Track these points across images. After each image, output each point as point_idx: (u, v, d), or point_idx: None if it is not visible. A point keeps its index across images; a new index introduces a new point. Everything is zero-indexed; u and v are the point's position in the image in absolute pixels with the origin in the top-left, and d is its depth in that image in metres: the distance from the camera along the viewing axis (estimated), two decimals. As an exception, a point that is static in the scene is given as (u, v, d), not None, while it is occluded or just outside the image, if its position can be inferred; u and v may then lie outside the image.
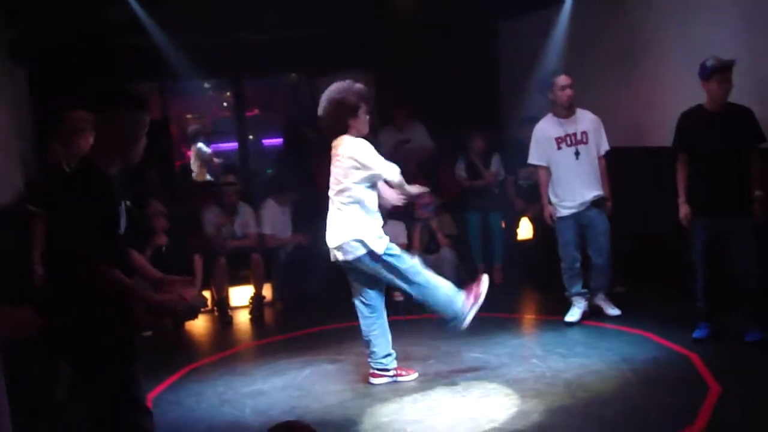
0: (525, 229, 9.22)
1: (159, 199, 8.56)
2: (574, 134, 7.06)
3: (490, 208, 9.11)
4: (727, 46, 6.58)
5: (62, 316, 3.70)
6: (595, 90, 7.54)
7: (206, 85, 12.62)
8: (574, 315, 7.23)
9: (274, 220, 8.95)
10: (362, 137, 5.85)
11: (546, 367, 6.16)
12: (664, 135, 6.72)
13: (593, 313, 7.26)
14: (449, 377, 6.06)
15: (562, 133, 7.08)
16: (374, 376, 6.04)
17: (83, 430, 3.83)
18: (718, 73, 6.05)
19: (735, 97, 6.14)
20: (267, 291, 8.75)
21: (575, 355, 6.40)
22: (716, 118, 6.15)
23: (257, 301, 8.52)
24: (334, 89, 5.83)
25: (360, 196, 5.77)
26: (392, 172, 5.82)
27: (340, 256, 5.85)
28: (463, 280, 8.59)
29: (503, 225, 9.21)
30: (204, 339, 8.14)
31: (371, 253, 5.74)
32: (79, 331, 3.68)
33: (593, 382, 5.77)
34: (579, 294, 7.26)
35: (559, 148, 7.09)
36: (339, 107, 5.77)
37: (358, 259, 5.77)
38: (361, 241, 5.73)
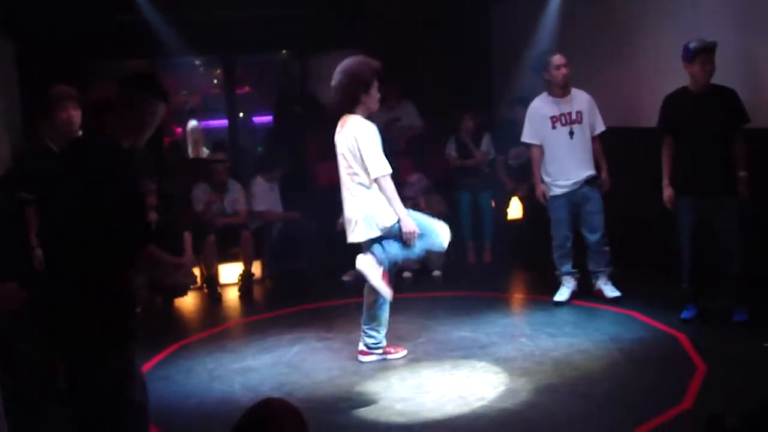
0: (515, 209, 9.24)
1: (148, 176, 8.52)
2: (569, 113, 7.06)
3: (480, 188, 9.12)
4: (720, 26, 6.60)
5: (64, 302, 3.65)
6: (586, 70, 7.53)
7: (197, 63, 12.57)
8: (562, 295, 7.24)
9: (263, 196, 8.95)
10: (371, 114, 5.85)
11: (534, 346, 6.19)
12: (655, 116, 6.72)
13: (583, 293, 7.28)
14: (438, 355, 6.09)
15: (557, 112, 7.07)
16: (363, 353, 6.05)
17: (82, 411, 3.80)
18: (701, 54, 6.07)
19: (727, 81, 6.16)
20: (256, 268, 8.75)
21: (564, 334, 6.43)
22: (700, 100, 6.17)
23: (246, 278, 8.52)
24: (349, 63, 5.81)
25: (367, 179, 5.76)
26: (378, 169, 5.68)
27: (351, 238, 5.84)
28: (452, 260, 8.70)
29: (493, 204, 9.22)
30: (193, 316, 8.13)
31: (382, 234, 5.71)
32: (82, 316, 3.63)
33: (581, 361, 5.81)
34: (568, 273, 7.26)
35: (554, 127, 7.08)
36: (353, 81, 5.75)
37: (371, 240, 5.75)
38: (371, 223, 5.71)
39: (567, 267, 7.27)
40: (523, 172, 8.97)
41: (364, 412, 5.20)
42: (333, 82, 5.86)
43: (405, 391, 5.47)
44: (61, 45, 8.57)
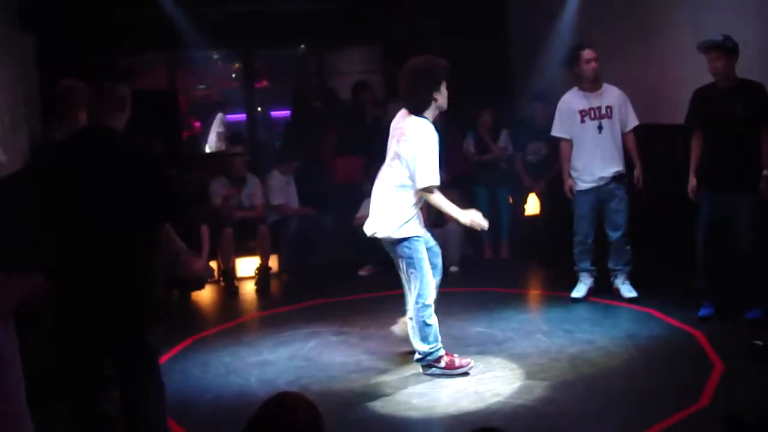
0: (532, 205, 9.21)
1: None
2: (599, 108, 7.01)
3: (497, 183, 9.10)
4: (740, 18, 6.58)
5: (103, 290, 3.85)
6: (606, 66, 7.47)
7: (215, 56, 12.59)
8: (579, 291, 7.22)
9: (280, 189, 8.97)
10: (439, 114, 5.79)
11: (551, 342, 6.19)
12: (678, 112, 6.70)
13: (601, 291, 7.25)
14: (454, 351, 6.04)
15: (586, 107, 7.03)
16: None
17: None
18: (704, 53, 6.15)
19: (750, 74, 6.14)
20: (273, 262, 8.76)
21: (580, 331, 6.42)
22: (725, 94, 6.16)
23: (263, 272, 8.53)
24: (417, 62, 5.70)
25: (408, 181, 5.60)
26: (428, 179, 5.51)
27: (370, 229, 5.78)
28: (468, 254, 8.69)
29: (510, 200, 9.20)
30: (210, 309, 8.16)
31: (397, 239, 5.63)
32: (124, 300, 3.87)
33: (598, 358, 5.80)
34: (587, 270, 7.24)
35: (583, 121, 7.03)
36: (425, 80, 5.61)
37: (387, 238, 5.70)
38: (391, 223, 5.62)
39: (586, 264, 7.24)
40: (541, 168, 8.95)
41: (380, 407, 5.21)
42: (403, 83, 5.69)
43: (421, 387, 5.48)
44: (80, 39, 8.59)
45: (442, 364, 5.64)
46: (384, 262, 8.68)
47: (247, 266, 8.76)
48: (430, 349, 5.62)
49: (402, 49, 10.39)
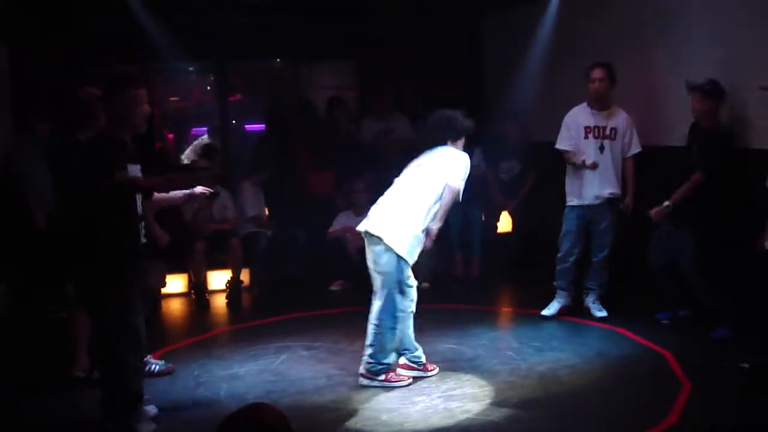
0: (504, 223, 9.26)
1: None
2: (604, 128, 7.02)
3: (470, 201, 9.11)
4: (711, 44, 6.68)
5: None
6: (580, 84, 7.54)
7: (190, 69, 12.55)
8: (551, 309, 7.25)
9: (253, 201, 8.93)
10: None
11: (521, 359, 6.21)
12: (648, 133, 6.79)
13: (574, 310, 7.28)
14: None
15: (592, 124, 7.05)
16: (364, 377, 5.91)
17: None
18: (689, 92, 6.39)
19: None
20: (245, 276, 8.73)
21: (550, 348, 6.45)
22: (697, 136, 6.48)
23: (234, 285, 8.50)
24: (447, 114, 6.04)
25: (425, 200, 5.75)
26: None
27: (365, 226, 5.84)
28: (439, 271, 8.70)
29: (483, 218, 9.24)
30: (180, 322, 8.11)
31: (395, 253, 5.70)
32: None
33: (567, 376, 5.82)
34: (563, 288, 7.27)
35: (586, 137, 7.06)
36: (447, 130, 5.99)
37: (378, 249, 5.76)
38: (394, 235, 5.69)
39: (562, 282, 7.28)
40: (514, 186, 9.01)
41: (350, 423, 5.18)
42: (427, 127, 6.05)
43: (391, 402, 5.47)
44: (53, 48, 8.55)
45: (382, 377, 5.75)
46: (355, 277, 8.75)
47: (218, 280, 8.72)
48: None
49: (377, 66, 10.49)
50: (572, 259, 7.20)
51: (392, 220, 5.72)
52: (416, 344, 6.00)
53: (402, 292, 5.75)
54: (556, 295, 7.28)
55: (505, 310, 8.16)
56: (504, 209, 9.16)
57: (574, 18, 8.61)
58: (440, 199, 5.75)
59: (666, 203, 6.47)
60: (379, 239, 5.70)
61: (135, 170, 4.82)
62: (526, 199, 9.02)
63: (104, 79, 4.78)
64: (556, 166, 7.45)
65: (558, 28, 8.81)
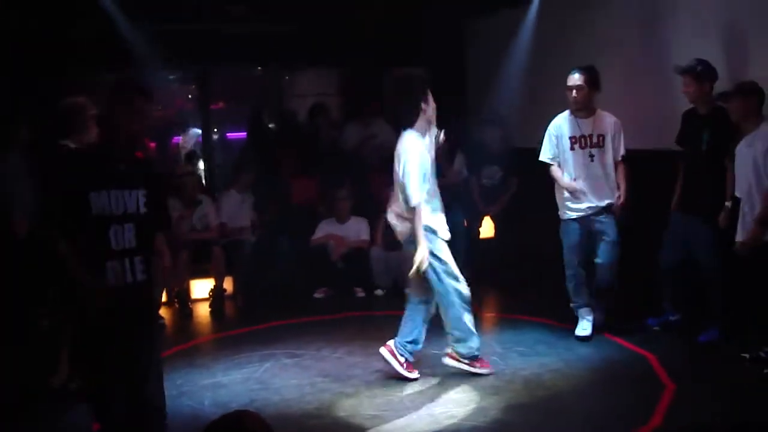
0: (487, 228, 9.27)
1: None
2: (590, 136, 6.60)
3: (452, 206, 9.11)
4: (690, 46, 6.71)
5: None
6: (561, 91, 7.55)
7: (171, 77, 12.51)
8: (585, 329, 6.75)
9: (233, 210, 8.89)
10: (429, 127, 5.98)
11: (505, 364, 6.21)
12: (631, 136, 6.80)
13: (556, 314, 7.27)
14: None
15: (577, 133, 6.62)
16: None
17: None
18: (681, 76, 6.31)
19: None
20: (228, 284, 8.70)
21: (535, 353, 6.45)
22: (698, 120, 6.39)
23: (218, 293, 8.47)
24: (398, 73, 5.98)
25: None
26: (412, 198, 5.78)
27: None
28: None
29: (465, 224, 9.24)
30: (164, 331, 8.04)
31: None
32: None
33: (552, 380, 5.83)
34: (585, 306, 6.80)
35: (572, 148, 6.64)
36: (407, 88, 6.04)
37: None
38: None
39: (582, 299, 6.79)
40: (496, 192, 9.02)
41: (334, 429, 5.16)
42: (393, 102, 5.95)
43: (375, 409, 5.46)
44: (33, 56, 8.50)
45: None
46: (339, 284, 8.75)
47: (201, 288, 8.68)
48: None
49: (359, 72, 10.49)
50: (583, 273, 6.74)
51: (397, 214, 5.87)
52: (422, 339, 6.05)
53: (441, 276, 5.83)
54: (580, 315, 6.80)
55: (489, 315, 8.15)
56: (486, 215, 9.17)
57: (555, 22, 8.63)
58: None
59: (727, 203, 6.17)
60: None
61: (128, 196, 4.16)
62: (509, 205, 9.04)
63: (113, 87, 4.27)
64: (539, 173, 7.42)
65: (539, 32, 8.84)
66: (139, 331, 4.21)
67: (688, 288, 6.61)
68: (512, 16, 9.20)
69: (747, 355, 5.80)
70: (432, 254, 5.79)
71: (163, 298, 8.30)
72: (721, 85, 6.21)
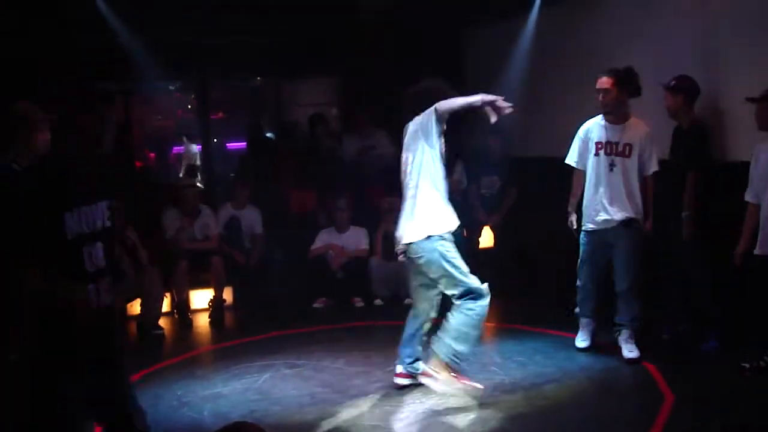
0: (486, 238, 9.27)
1: (118, 200, 8.45)
2: (616, 144, 6.28)
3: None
4: (689, 56, 6.73)
5: None
6: (560, 100, 7.59)
7: (171, 88, 12.57)
8: (584, 340, 6.66)
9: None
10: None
11: (505, 374, 6.21)
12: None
13: (555, 322, 7.28)
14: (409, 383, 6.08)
15: (603, 139, 6.34)
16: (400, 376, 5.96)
17: None
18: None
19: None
20: (227, 294, 8.71)
21: (534, 363, 6.46)
22: (677, 135, 6.51)
23: (217, 304, 8.48)
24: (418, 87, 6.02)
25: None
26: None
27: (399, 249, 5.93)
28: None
29: (465, 233, 9.24)
30: (163, 342, 8.06)
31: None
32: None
33: (551, 390, 5.83)
34: (586, 316, 6.68)
35: (597, 154, 6.36)
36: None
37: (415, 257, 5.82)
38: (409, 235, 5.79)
39: (586, 310, 6.66)
40: (495, 201, 9.03)
41: (334, 440, 5.18)
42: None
43: (375, 419, 5.46)
44: (35, 68, 8.53)
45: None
46: (338, 294, 8.75)
47: (200, 298, 8.69)
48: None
49: (358, 83, 10.51)
50: (591, 286, 6.56)
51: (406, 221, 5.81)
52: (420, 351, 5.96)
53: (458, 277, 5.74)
54: (581, 324, 6.71)
55: (488, 325, 8.12)
56: (486, 224, 9.18)
57: (555, 31, 8.66)
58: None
59: (684, 213, 6.23)
60: (407, 245, 5.76)
61: (95, 211, 3.87)
62: (508, 215, 9.04)
63: (76, 96, 4.16)
64: (538, 182, 7.46)
65: (539, 42, 8.86)
66: (103, 362, 3.85)
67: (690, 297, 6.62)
68: (511, 26, 9.23)
69: (747, 365, 5.81)
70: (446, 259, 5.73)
71: (165, 308, 8.33)
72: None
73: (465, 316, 5.60)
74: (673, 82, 6.33)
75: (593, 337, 6.70)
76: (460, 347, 5.55)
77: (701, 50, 6.82)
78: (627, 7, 7.78)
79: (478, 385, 5.64)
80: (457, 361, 5.56)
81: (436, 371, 5.56)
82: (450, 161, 9.07)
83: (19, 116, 4.74)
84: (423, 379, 5.73)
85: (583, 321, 6.73)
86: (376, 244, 8.85)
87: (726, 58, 6.64)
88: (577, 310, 6.75)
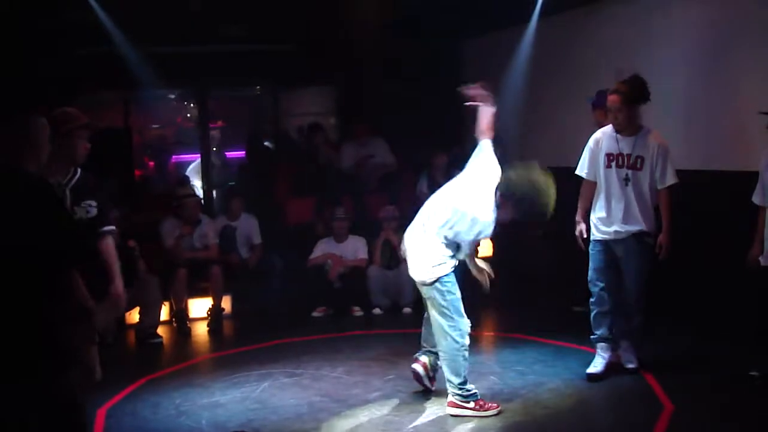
0: (485, 247, 9.27)
1: (118, 208, 8.47)
2: (628, 156, 6.09)
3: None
4: (685, 68, 6.74)
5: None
6: (558, 110, 7.61)
7: (171, 96, 12.58)
8: (596, 366, 6.27)
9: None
10: None
11: (504, 384, 6.21)
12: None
13: (551, 330, 7.28)
14: (407, 392, 6.07)
15: (615, 151, 6.13)
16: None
17: None
18: None
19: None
20: (226, 303, 8.70)
21: (533, 372, 6.45)
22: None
23: (216, 313, 8.47)
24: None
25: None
26: None
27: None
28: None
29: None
30: (162, 350, 8.06)
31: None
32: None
33: (550, 400, 5.82)
34: (604, 340, 6.32)
35: (609, 166, 6.16)
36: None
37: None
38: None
39: (603, 331, 6.29)
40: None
41: (332, 449, 5.17)
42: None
43: (373, 429, 5.45)
44: (34, 77, 8.55)
45: (472, 404, 5.57)
46: (337, 303, 8.75)
47: (199, 307, 8.69)
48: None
49: (357, 92, 10.54)
50: (606, 299, 6.25)
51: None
52: None
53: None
54: (597, 349, 6.34)
55: (487, 334, 8.15)
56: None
57: (554, 41, 8.68)
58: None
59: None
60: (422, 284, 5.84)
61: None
62: (507, 225, 9.03)
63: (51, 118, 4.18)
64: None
65: (537, 51, 8.88)
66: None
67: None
68: (510, 35, 9.25)
69: (756, 373, 5.79)
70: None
71: (163, 316, 8.32)
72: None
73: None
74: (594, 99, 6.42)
75: (607, 366, 6.28)
76: (456, 380, 5.61)
77: (705, 56, 6.84)
78: (627, 16, 7.81)
79: (494, 406, 5.62)
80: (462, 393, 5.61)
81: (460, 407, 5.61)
82: (449, 172, 9.15)
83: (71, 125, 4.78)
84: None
85: (598, 345, 6.34)
86: (375, 253, 8.85)
87: (733, 67, 6.65)
88: (595, 333, 6.35)
